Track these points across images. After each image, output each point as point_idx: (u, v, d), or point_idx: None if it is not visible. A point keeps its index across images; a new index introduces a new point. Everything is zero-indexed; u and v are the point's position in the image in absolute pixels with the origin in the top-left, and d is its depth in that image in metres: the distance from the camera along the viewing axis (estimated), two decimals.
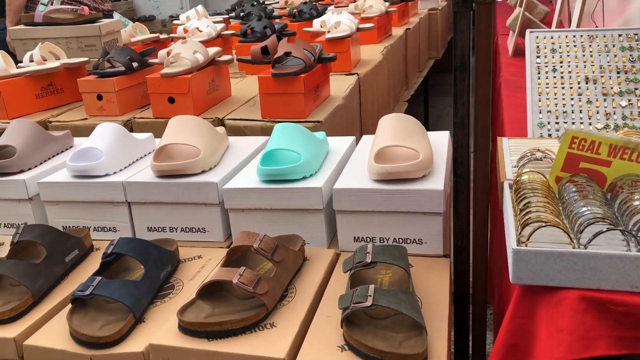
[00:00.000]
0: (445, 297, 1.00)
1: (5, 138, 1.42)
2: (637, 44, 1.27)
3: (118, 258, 1.12)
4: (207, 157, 1.27)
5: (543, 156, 1.03)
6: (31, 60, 2.04)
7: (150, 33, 2.66)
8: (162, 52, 1.91)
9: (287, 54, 1.72)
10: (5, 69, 1.93)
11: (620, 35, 1.30)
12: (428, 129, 1.32)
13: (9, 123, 1.73)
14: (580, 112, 1.24)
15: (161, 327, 0.95)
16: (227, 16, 3.34)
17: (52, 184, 1.29)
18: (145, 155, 1.43)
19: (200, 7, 3.00)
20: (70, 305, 0.99)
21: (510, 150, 1.12)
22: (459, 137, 1.14)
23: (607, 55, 1.28)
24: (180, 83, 1.76)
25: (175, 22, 3.01)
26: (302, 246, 1.13)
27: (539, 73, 1.30)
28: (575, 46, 1.32)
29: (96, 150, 1.31)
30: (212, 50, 1.92)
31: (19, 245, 1.14)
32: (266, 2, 3.91)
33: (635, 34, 1.29)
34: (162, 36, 2.67)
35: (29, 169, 1.37)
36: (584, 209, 0.81)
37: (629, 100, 1.23)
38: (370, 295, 0.87)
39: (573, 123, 1.23)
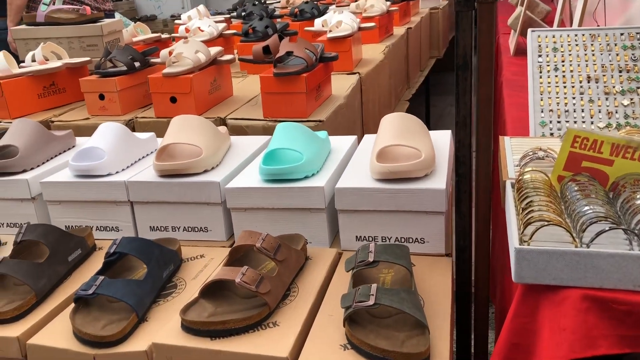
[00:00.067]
0: (447, 296, 1.00)
1: (7, 138, 1.43)
2: (639, 43, 1.27)
3: (121, 257, 1.12)
4: (209, 156, 1.27)
5: (545, 155, 1.03)
6: (33, 60, 2.04)
7: (152, 33, 2.67)
8: (164, 52, 1.91)
9: (289, 54, 1.72)
10: (8, 69, 1.94)
11: (622, 34, 1.30)
12: (429, 128, 1.32)
13: (11, 123, 1.73)
14: (582, 111, 1.24)
15: (164, 326, 0.95)
16: (228, 16, 3.35)
17: (54, 183, 1.29)
18: (147, 154, 1.43)
19: (201, 7, 3.01)
20: (73, 305, 1.00)
21: (512, 150, 1.12)
22: (461, 136, 1.14)
23: (609, 54, 1.28)
24: (182, 83, 1.76)
25: (176, 21, 3.01)
26: (304, 245, 1.13)
27: (540, 72, 1.30)
28: (577, 45, 1.32)
29: (98, 149, 1.31)
30: (214, 50, 1.92)
31: (22, 244, 1.15)
32: (267, 2, 3.91)
33: (637, 33, 1.28)
34: (164, 36, 2.67)
35: (32, 168, 1.38)
36: (586, 208, 0.81)
37: (631, 99, 1.23)
38: (372, 294, 0.87)
39: (575, 122, 1.23)
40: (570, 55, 1.31)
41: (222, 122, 1.75)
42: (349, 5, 3.19)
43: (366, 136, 1.45)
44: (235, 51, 2.55)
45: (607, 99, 1.24)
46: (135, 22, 2.71)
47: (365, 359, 0.85)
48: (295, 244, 1.12)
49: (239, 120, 1.74)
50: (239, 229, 1.22)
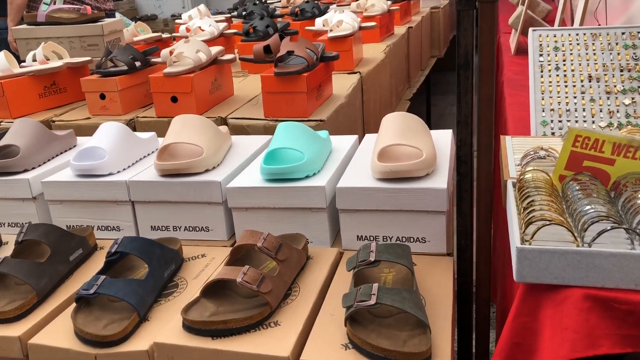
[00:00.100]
0: (448, 296, 1.00)
1: (8, 137, 1.43)
2: None
3: (122, 257, 1.12)
4: (210, 156, 1.27)
5: (546, 154, 1.03)
6: (34, 60, 2.04)
7: (153, 32, 2.67)
8: (164, 52, 1.91)
9: (290, 53, 1.72)
10: (9, 69, 1.94)
11: (623, 33, 1.29)
12: (430, 128, 1.32)
13: (12, 122, 1.73)
14: (584, 110, 1.24)
15: (165, 325, 0.95)
16: (229, 15, 3.34)
17: (55, 183, 1.29)
18: (148, 154, 1.43)
19: (202, 6, 3.01)
20: (74, 304, 1.00)
21: (513, 149, 1.12)
22: (462, 136, 1.14)
23: (611, 54, 1.28)
24: (183, 82, 1.76)
25: (177, 21, 3.01)
26: (305, 245, 1.13)
27: (541, 71, 1.30)
28: (578, 44, 1.32)
29: (100, 149, 1.31)
30: (215, 50, 1.92)
31: (23, 244, 1.15)
32: (268, 1, 3.91)
33: (638, 32, 1.28)
34: (165, 35, 2.67)
35: (33, 168, 1.38)
36: (587, 207, 0.81)
37: (633, 99, 1.23)
38: (374, 294, 0.87)
39: (576, 121, 1.23)
40: (571, 54, 1.31)
41: (223, 121, 1.75)
42: (349, 5, 3.19)
43: (367, 136, 1.45)
44: (236, 51, 2.55)
45: (608, 98, 1.24)
46: (135, 22, 2.71)
47: (366, 359, 0.85)
48: (296, 243, 1.12)
49: (240, 119, 1.74)
50: (240, 228, 1.22)
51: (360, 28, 2.40)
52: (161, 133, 1.46)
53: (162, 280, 1.06)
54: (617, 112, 1.22)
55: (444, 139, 1.36)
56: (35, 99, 1.99)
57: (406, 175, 1.11)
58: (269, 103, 1.71)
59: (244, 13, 3.04)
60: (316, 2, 3.06)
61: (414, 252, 1.10)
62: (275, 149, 1.23)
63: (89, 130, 1.76)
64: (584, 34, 1.32)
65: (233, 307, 0.95)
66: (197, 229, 1.25)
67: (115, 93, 1.86)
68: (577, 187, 0.87)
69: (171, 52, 1.83)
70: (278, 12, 3.12)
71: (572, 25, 2.10)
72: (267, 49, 1.85)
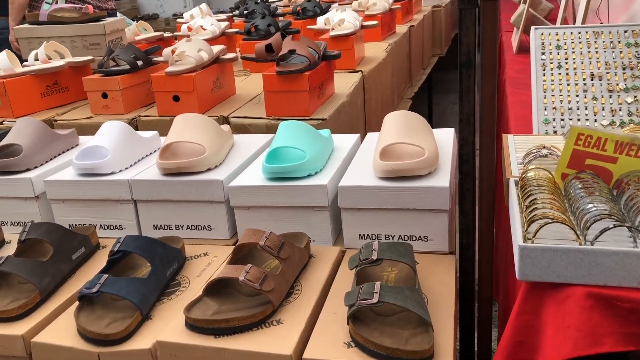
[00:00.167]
0: (451, 294, 1.00)
1: (11, 137, 1.43)
2: None
3: (124, 256, 1.12)
4: (213, 155, 1.27)
5: (549, 153, 1.03)
6: (36, 59, 2.05)
7: (154, 31, 2.67)
8: (166, 51, 1.92)
9: (292, 52, 1.72)
10: (11, 68, 1.94)
11: (625, 32, 1.29)
12: (432, 127, 1.32)
13: (14, 122, 1.73)
14: (586, 108, 1.24)
15: (168, 324, 0.96)
16: (230, 14, 3.34)
17: (58, 182, 1.29)
18: (150, 153, 1.43)
19: (203, 5, 3.01)
20: (77, 303, 1.00)
21: (515, 147, 1.12)
22: (464, 134, 1.14)
23: (613, 52, 1.28)
24: (185, 81, 1.76)
25: (179, 20, 3.01)
26: (307, 243, 1.13)
27: (544, 70, 1.30)
28: (580, 43, 1.31)
29: (102, 148, 1.31)
30: (217, 49, 1.92)
31: (26, 243, 1.15)
32: (270, 0, 3.91)
33: None
34: (166, 34, 2.67)
35: (35, 167, 1.38)
36: (590, 205, 0.81)
37: (635, 97, 1.22)
38: (376, 292, 0.87)
39: (578, 120, 1.23)
40: (573, 52, 1.31)
41: (225, 120, 1.75)
42: (351, 4, 3.18)
43: (369, 134, 1.45)
44: (238, 49, 2.56)
45: (610, 96, 1.24)
46: (137, 21, 2.71)
47: (369, 357, 0.85)
48: (298, 242, 1.13)
49: (242, 118, 1.74)
50: (242, 227, 1.22)
51: (362, 27, 2.40)
52: (163, 132, 1.46)
53: (164, 279, 1.06)
54: (620, 110, 1.22)
55: (446, 138, 1.35)
56: (38, 98, 2.00)
57: (408, 174, 1.11)
58: (270, 102, 1.71)
59: (245, 12, 3.04)
60: (318, 1, 3.06)
61: (416, 250, 1.10)
62: (277, 148, 1.23)
63: (91, 129, 1.76)
64: (586, 32, 1.32)
65: (235, 305, 0.95)
66: (200, 227, 1.26)
67: (117, 92, 1.86)
68: (580, 186, 0.87)
69: (173, 51, 1.84)
70: (280, 11, 3.12)
71: (574, 23, 2.10)
72: (268, 47, 1.85)
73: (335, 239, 1.22)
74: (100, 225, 1.30)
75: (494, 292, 1.43)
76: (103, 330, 0.93)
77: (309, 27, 2.63)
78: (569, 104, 1.25)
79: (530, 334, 0.80)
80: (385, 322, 0.89)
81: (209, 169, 1.26)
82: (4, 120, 1.93)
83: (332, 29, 2.29)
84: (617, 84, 1.24)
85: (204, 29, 2.52)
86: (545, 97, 1.26)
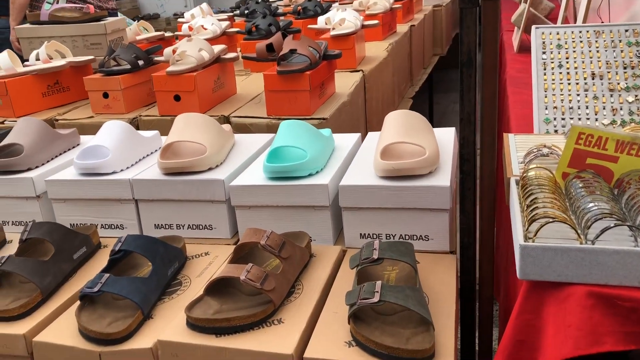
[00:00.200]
0: (451, 293, 1.00)
1: (12, 136, 1.43)
2: None
3: (126, 255, 1.12)
4: (214, 154, 1.27)
5: (549, 152, 1.03)
6: (37, 59, 2.05)
7: (155, 31, 2.67)
8: (167, 50, 1.92)
9: (293, 51, 1.72)
10: (12, 68, 1.94)
11: (626, 31, 1.29)
12: (433, 126, 1.32)
13: (16, 121, 1.73)
14: (587, 108, 1.24)
15: (169, 323, 0.96)
16: (231, 14, 3.34)
17: (59, 181, 1.30)
18: (151, 152, 1.43)
19: (204, 5, 3.01)
20: (78, 302, 1.00)
21: (516, 147, 1.12)
22: (465, 134, 1.14)
23: (614, 51, 1.28)
24: (186, 81, 1.77)
25: (180, 20, 3.01)
26: (308, 243, 1.13)
27: (544, 69, 1.30)
28: (581, 42, 1.31)
29: (103, 148, 1.32)
30: (218, 48, 1.92)
31: (27, 242, 1.15)
32: (270, 0, 3.91)
33: None
34: (167, 34, 2.67)
35: (37, 166, 1.38)
36: (591, 204, 0.81)
37: (636, 96, 1.22)
38: (377, 292, 0.87)
39: (579, 119, 1.23)
40: (574, 52, 1.30)
41: (225, 120, 1.75)
42: (352, 3, 3.18)
43: (370, 134, 1.45)
44: (239, 49, 2.56)
45: (611, 95, 1.24)
46: (138, 21, 2.71)
47: (370, 356, 0.85)
48: (299, 241, 1.13)
49: (243, 118, 1.74)
50: (243, 226, 1.22)
51: (363, 26, 2.40)
52: (164, 131, 1.46)
53: (165, 278, 1.06)
54: (621, 109, 1.22)
55: (446, 137, 1.36)
56: (39, 97, 2.00)
57: (409, 173, 1.12)
58: (271, 101, 1.71)
59: (246, 11, 3.04)
60: (318, 0, 3.06)
61: (417, 250, 1.10)
62: (278, 147, 1.23)
63: (92, 129, 1.77)
64: (587, 32, 1.32)
65: (237, 304, 0.95)
66: (201, 227, 1.26)
67: (118, 92, 1.87)
68: (581, 185, 0.87)
69: (174, 51, 1.84)
70: (280, 10, 3.12)
71: (575, 22, 2.10)
72: (269, 47, 1.85)
73: (336, 238, 1.22)
74: (102, 224, 1.31)
75: (495, 291, 1.43)
76: (104, 329, 0.93)
77: (309, 26, 2.63)
78: (570, 103, 1.25)
79: (531, 333, 0.80)
80: (386, 321, 0.89)
81: (210, 169, 1.26)
82: (5, 120, 1.93)
83: (333, 29, 2.29)
84: (618, 83, 1.24)
85: (205, 29, 2.52)
86: (546, 97, 1.26)
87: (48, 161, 1.43)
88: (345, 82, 2.01)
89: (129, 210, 1.28)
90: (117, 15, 2.93)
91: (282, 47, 1.78)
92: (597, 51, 1.29)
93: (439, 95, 4.69)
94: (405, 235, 1.14)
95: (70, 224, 1.31)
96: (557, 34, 1.34)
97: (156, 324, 0.97)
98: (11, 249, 1.23)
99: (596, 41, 1.30)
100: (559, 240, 0.78)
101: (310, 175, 1.19)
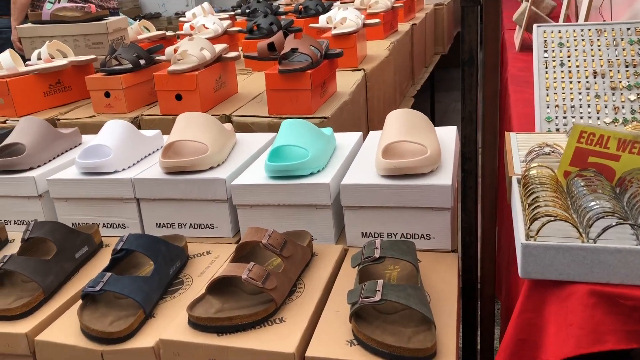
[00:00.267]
0: (453, 292, 1.00)
1: (14, 136, 1.43)
2: None
3: (128, 254, 1.13)
4: (215, 153, 1.27)
5: (551, 151, 1.03)
6: (39, 58, 2.05)
7: (156, 30, 2.67)
8: (169, 49, 1.92)
9: (294, 50, 1.72)
10: (14, 67, 1.95)
11: (628, 29, 1.29)
12: (434, 125, 1.32)
13: (18, 121, 1.74)
14: (589, 106, 1.23)
15: (171, 322, 0.96)
16: (232, 13, 3.35)
17: (61, 181, 1.30)
18: (153, 152, 1.44)
19: (206, 4, 3.01)
20: (80, 301, 1.00)
21: (518, 145, 1.12)
22: (467, 132, 1.14)
23: (616, 49, 1.28)
24: (188, 80, 1.77)
25: (181, 19, 3.01)
26: (310, 242, 1.13)
27: (546, 67, 1.30)
28: (583, 40, 1.31)
29: (105, 147, 1.32)
30: (219, 47, 1.92)
31: (29, 242, 1.15)
32: None
33: None
34: (169, 33, 2.67)
35: (38, 166, 1.38)
36: (592, 203, 0.81)
37: (638, 94, 1.22)
38: (378, 290, 0.87)
39: (581, 117, 1.23)
40: (576, 50, 1.30)
41: (227, 119, 1.75)
42: (353, 2, 3.18)
43: (371, 132, 1.45)
44: (240, 48, 2.56)
45: (613, 94, 1.23)
46: (139, 20, 2.71)
47: (371, 355, 0.85)
48: (301, 240, 1.13)
49: (244, 117, 1.74)
50: (245, 225, 1.22)
51: (364, 25, 2.40)
52: (166, 131, 1.46)
53: (167, 277, 1.06)
54: (622, 108, 1.22)
55: (448, 136, 1.35)
56: (40, 97, 2.00)
57: (411, 172, 1.11)
58: (273, 100, 1.71)
59: (247, 11, 3.04)
60: None
61: (419, 248, 1.10)
62: (279, 146, 1.23)
63: (94, 128, 1.77)
64: (589, 30, 1.32)
65: (238, 303, 0.95)
66: (202, 226, 1.26)
67: (120, 91, 1.87)
68: (582, 183, 0.87)
69: (175, 50, 1.84)
70: (282, 9, 3.12)
71: (576, 21, 2.10)
72: (271, 46, 1.85)
73: (338, 237, 1.22)
74: (103, 223, 1.31)
75: (497, 290, 1.43)
76: (106, 328, 0.93)
77: (311, 25, 2.62)
78: (572, 101, 1.25)
79: (532, 332, 0.80)
80: (387, 320, 0.89)
81: (211, 168, 1.26)
82: (7, 120, 1.93)
83: (334, 28, 2.28)
84: (620, 82, 1.24)
85: (206, 28, 2.52)
86: (547, 95, 1.26)
87: (50, 160, 1.43)
88: (346, 81, 2.01)
89: (130, 210, 1.29)
90: (118, 15, 2.93)
91: (283, 46, 1.78)
92: (599, 50, 1.29)
93: (441, 94, 4.69)
94: (406, 234, 1.14)
95: (72, 223, 1.31)
96: (559, 32, 1.34)
97: (158, 323, 0.97)
98: (13, 248, 1.23)
99: (598, 40, 1.30)
100: (561, 239, 0.78)
101: (311, 174, 1.19)
